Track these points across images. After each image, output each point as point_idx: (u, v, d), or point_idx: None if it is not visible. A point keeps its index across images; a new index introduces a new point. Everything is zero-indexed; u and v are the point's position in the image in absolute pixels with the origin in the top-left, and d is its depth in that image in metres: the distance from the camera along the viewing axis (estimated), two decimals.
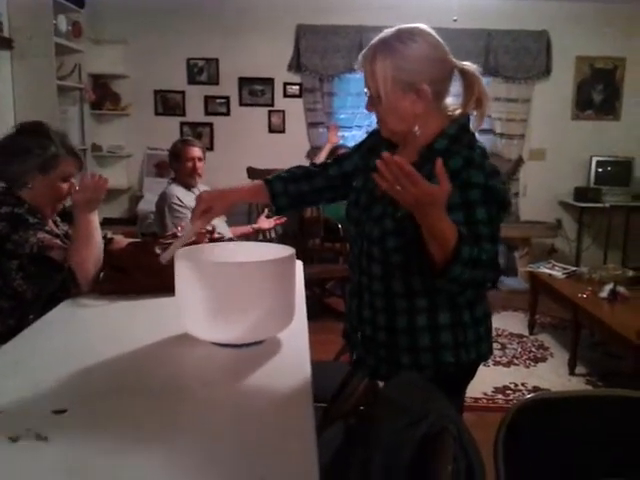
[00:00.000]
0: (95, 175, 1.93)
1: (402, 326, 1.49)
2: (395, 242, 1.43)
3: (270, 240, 4.58)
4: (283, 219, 4.03)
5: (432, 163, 1.27)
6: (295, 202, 1.73)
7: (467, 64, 1.45)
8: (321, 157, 5.12)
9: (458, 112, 1.47)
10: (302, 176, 1.72)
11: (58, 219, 2.13)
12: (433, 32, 1.43)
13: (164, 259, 1.57)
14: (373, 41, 1.43)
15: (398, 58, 1.38)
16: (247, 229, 3.96)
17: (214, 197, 1.65)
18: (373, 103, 1.46)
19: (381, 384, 1.45)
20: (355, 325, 1.61)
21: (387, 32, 1.42)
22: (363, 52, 1.44)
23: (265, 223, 3.98)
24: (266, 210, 4.22)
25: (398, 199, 1.25)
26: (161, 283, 1.78)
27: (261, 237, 4.67)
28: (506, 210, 1.43)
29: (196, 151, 3.53)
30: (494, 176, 1.40)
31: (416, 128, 1.43)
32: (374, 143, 1.63)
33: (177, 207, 3.40)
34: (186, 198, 3.46)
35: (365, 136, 1.74)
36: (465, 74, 1.45)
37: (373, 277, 1.51)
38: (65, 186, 2.01)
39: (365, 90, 1.47)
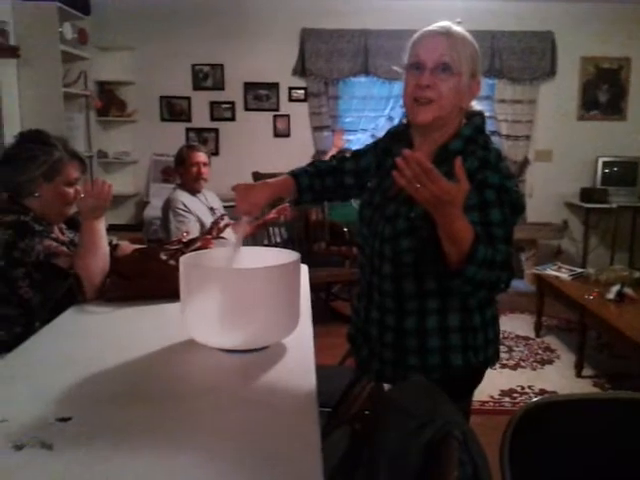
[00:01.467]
0: (99, 181, 1.93)
1: (411, 327, 1.48)
2: (408, 242, 1.43)
3: (275, 245, 4.58)
4: (287, 210, 3.95)
5: (447, 164, 1.28)
6: (317, 197, 1.74)
7: None
8: None
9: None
10: (326, 171, 1.72)
11: (64, 226, 2.14)
12: None
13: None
14: (444, 23, 1.45)
15: (474, 48, 1.45)
16: (252, 225, 3.94)
17: (248, 202, 1.61)
18: (438, 76, 1.41)
19: (386, 387, 1.45)
20: (361, 326, 1.61)
21: (450, 23, 1.45)
22: (435, 27, 1.44)
23: (270, 214, 3.94)
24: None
25: (416, 197, 1.24)
26: (167, 289, 1.78)
27: (266, 242, 4.68)
28: (520, 213, 1.44)
29: (201, 156, 3.54)
30: (509, 178, 1.41)
31: None
32: (389, 144, 1.63)
33: (182, 212, 3.41)
34: (191, 204, 3.47)
35: (381, 136, 1.74)
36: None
37: (384, 277, 1.50)
38: (71, 190, 2.01)
39: (424, 63, 1.42)
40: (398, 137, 1.60)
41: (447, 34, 1.42)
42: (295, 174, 1.70)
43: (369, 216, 1.57)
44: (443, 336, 1.47)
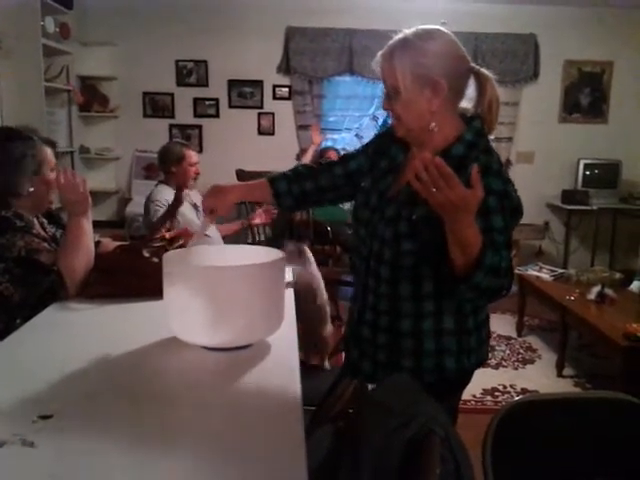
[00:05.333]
0: (68, 173, 1.91)
1: (407, 329, 1.47)
2: (409, 245, 1.42)
3: (259, 243, 4.57)
4: (274, 212, 4.02)
5: (450, 168, 1.27)
6: (299, 201, 1.72)
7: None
8: (307, 159, 5.12)
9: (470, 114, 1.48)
10: (307, 175, 1.70)
11: (45, 221, 2.11)
12: (451, 33, 1.45)
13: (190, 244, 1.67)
14: (392, 40, 1.44)
15: (416, 53, 1.40)
16: (237, 225, 3.97)
17: (216, 199, 1.68)
18: (390, 100, 1.45)
19: (370, 386, 1.45)
20: (354, 327, 1.60)
21: (406, 31, 1.43)
22: (381, 51, 1.45)
23: (257, 218, 3.97)
24: (264, 205, 4.24)
25: (431, 201, 1.23)
26: (149, 286, 1.77)
27: (250, 240, 4.67)
28: (519, 217, 1.42)
29: (196, 155, 3.58)
30: (510, 183, 1.40)
31: (433, 124, 1.43)
32: (382, 145, 1.62)
33: (161, 209, 3.38)
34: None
35: (373, 137, 1.73)
36: (478, 75, 1.46)
37: (381, 279, 1.49)
38: (54, 175, 2.00)
39: (383, 89, 1.48)
40: (394, 138, 1.56)
41: (389, 55, 1.42)
42: (271, 179, 1.69)
43: (367, 217, 1.54)
44: (438, 339, 1.47)
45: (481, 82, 1.46)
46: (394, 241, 1.44)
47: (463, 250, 1.26)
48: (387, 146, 1.58)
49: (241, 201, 1.72)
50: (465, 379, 1.58)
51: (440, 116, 1.43)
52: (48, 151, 2.02)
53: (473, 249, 1.25)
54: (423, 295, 1.45)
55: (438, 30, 1.43)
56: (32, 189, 1.96)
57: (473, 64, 1.46)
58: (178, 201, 3.14)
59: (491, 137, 1.51)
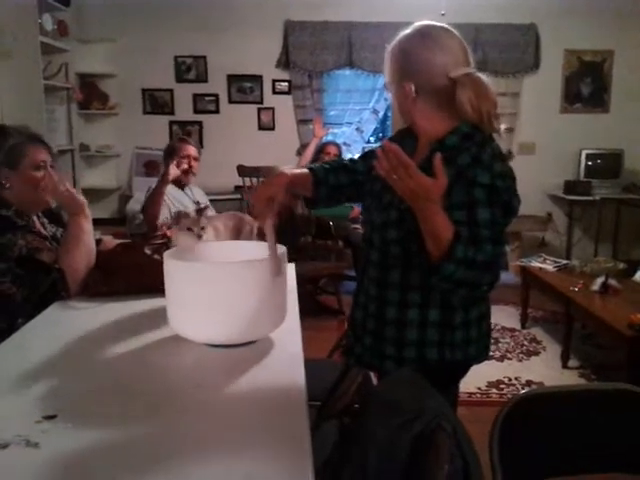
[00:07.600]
0: (54, 177, 1.91)
1: (391, 317, 1.50)
2: (395, 233, 1.45)
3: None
4: None
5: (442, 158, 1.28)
6: (331, 194, 1.69)
7: (467, 70, 1.42)
8: (308, 153, 5.10)
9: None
10: (339, 167, 1.71)
11: (46, 221, 2.11)
12: (453, 36, 1.44)
13: (276, 274, 1.42)
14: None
15: (398, 53, 1.46)
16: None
17: (269, 184, 1.56)
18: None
19: (375, 381, 1.44)
20: (352, 311, 1.66)
21: (414, 25, 1.47)
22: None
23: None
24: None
25: (395, 189, 1.27)
26: (151, 284, 1.76)
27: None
28: (511, 215, 1.39)
29: (191, 149, 3.55)
30: (503, 178, 1.36)
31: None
32: (400, 137, 1.63)
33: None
34: (174, 196, 3.43)
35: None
36: (459, 85, 1.41)
37: (372, 264, 1.54)
38: (40, 174, 1.97)
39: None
40: (408, 132, 1.60)
41: (387, 49, 1.49)
42: (311, 168, 1.69)
43: (368, 204, 1.60)
44: (421, 330, 1.48)
45: (459, 86, 1.41)
46: (382, 227, 1.48)
47: (434, 239, 1.29)
48: (403, 137, 1.60)
49: (290, 187, 1.58)
50: (451, 374, 1.57)
51: (424, 113, 1.47)
52: (33, 148, 1.98)
53: (442, 239, 1.27)
54: (410, 285, 1.47)
55: (429, 34, 1.43)
56: (8, 185, 1.93)
57: (459, 73, 1.41)
58: (164, 181, 3.16)
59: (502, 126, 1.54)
